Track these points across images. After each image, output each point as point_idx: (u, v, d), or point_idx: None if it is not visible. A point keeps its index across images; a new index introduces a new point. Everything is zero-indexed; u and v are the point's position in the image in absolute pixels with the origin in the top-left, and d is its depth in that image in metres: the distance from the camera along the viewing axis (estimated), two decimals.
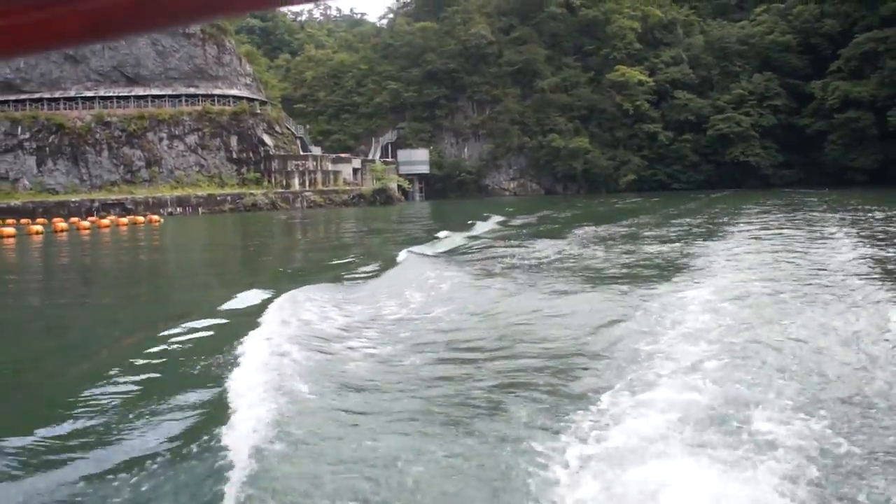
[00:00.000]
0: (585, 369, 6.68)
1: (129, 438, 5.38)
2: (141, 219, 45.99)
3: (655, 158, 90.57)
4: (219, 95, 70.89)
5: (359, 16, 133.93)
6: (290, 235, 34.45)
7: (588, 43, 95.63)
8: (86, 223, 40.43)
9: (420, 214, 50.76)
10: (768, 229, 21.58)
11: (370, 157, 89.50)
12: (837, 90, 73.37)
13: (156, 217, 48.81)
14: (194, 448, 4.99)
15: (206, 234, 37.24)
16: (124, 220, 44.83)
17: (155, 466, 4.72)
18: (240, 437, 5.05)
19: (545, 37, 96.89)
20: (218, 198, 62.51)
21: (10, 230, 34.02)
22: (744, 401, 5.47)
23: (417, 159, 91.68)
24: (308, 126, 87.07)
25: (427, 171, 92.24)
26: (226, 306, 11.11)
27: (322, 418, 5.48)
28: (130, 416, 5.88)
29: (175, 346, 8.51)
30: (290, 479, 4.37)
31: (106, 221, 42.63)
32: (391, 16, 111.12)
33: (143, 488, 4.42)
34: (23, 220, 48.57)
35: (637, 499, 4.06)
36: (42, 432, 5.59)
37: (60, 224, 38.75)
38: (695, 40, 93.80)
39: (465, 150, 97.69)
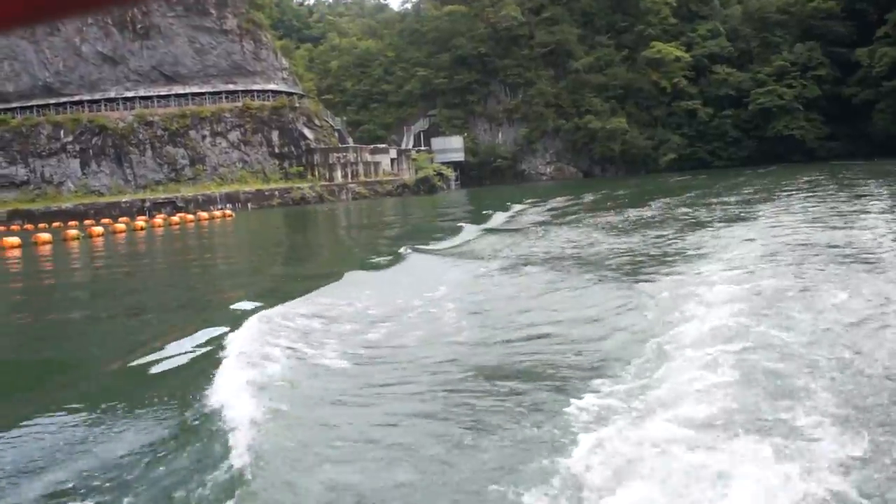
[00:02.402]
0: (609, 357, 7.06)
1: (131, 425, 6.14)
2: (218, 214, 50.26)
3: (695, 136, 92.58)
4: (258, 91, 74.40)
5: (376, 0, 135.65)
6: (367, 223, 37.65)
7: (621, 20, 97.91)
8: (176, 218, 45.37)
9: (464, 202, 53.76)
10: (814, 203, 22.74)
11: (403, 146, 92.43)
12: (885, 57, 75.19)
13: (228, 212, 52.99)
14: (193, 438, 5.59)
15: (284, 224, 40.78)
16: (205, 214, 49.11)
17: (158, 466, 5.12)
18: (239, 412, 5.76)
19: (577, 15, 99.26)
20: (266, 193, 65.99)
21: (121, 226, 38.55)
22: (775, 391, 5.51)
23: (452, 147, 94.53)
24: (345, 118, 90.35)
25: (462, 159, 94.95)
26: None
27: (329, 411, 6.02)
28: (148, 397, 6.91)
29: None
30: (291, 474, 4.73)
31: (191, 217, 47.06)
32: (415, 0, 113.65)
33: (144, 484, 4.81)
34: (86, 221, 52.23)
35: (661, 490, 4.15)
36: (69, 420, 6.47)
37: (157, 220, 43.64)
38: (732, 11, 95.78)
39: (500, 135, 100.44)
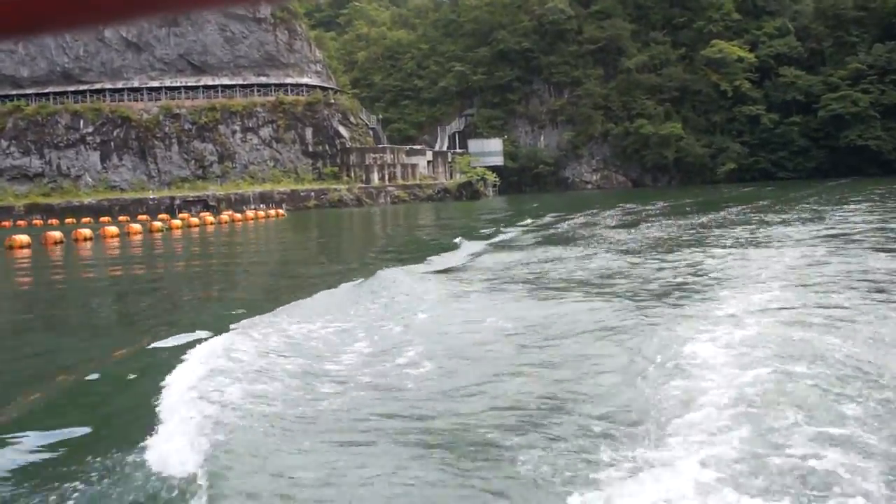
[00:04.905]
0: (614, 391, 7.40)
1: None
2: (273, 213, 55.29)
3: (758, 144, 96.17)
4: (291, 84, 79.10)
5: None
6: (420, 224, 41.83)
7: (679, 15, 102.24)
8: (239, 216, 51.48)
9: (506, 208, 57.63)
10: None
11: (437, 147, 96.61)
12: None
13: (281, 211, 57.75)
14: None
15: (344, 222, 45.31)
16: (262, 213, 54.25)
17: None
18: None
19: (630, 9, 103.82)
20: (301, 193, 70.40)
21: (195, 220, 44.41)
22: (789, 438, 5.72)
23: (490, 150, 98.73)
24: (381, 116, 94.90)
25: (500, 163, 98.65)
26: None
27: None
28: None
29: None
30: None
31: (251, 215, 52.73)
32: None
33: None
34: (121, 218, 56.76)
35: None
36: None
37: (224, 217, 49.72)
38: (803, 7, 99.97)
39: (542, 138, 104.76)
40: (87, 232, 37.59)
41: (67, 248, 32.98)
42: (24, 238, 33.81)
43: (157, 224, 42.81)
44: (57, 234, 36.03)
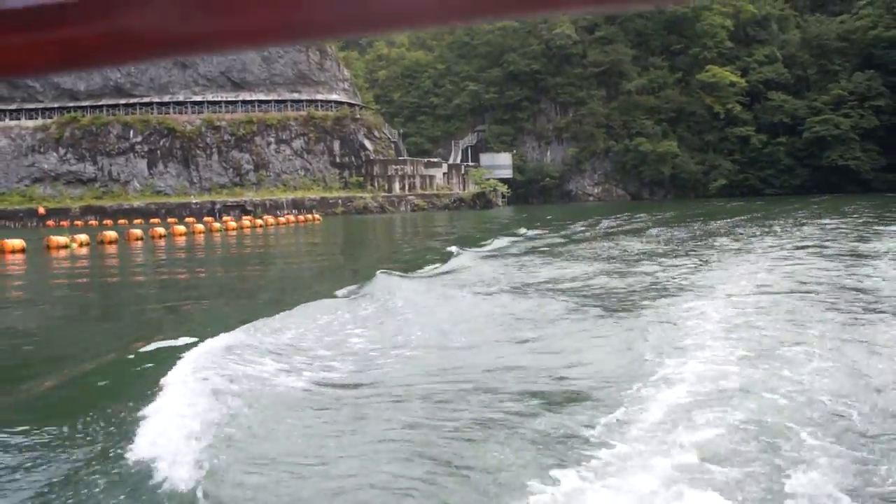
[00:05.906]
0: (591, 395, 7.46)
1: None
2: (311, 217, 61.03)
3: (747, 163, 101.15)
4: (321, 101, 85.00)
5: None
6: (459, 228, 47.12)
7: (676, 42, 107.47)
8: (283, 220, 57.99)
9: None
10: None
11: (451, 160, 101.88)
12: None
13: (318, 216, 63.39)
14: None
15: (371, 229, 51.21)
16: (302, 217, 60.39)
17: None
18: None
19: (631, 35, 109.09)
20: (330, 201, 76.07)
21: (246, 222, 52.65)
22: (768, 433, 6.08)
23: (500, 163, 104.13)
24: (402, 131, 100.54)
25: (510, 176, 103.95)
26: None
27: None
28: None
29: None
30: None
31: (292, 218, 58.93)
32: None
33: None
34: (169, 220, 62.31)
35: None
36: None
37: (269, 219, 55.74)
38: (790, 37, 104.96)
39: (548, 154, 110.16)
40: (161, 230, 43.29)
41: (146, 245, 37.66)
42: (112, 234, 38.82)
43: (217, 225, 49.85)
44: (138, 232, 41.29)
